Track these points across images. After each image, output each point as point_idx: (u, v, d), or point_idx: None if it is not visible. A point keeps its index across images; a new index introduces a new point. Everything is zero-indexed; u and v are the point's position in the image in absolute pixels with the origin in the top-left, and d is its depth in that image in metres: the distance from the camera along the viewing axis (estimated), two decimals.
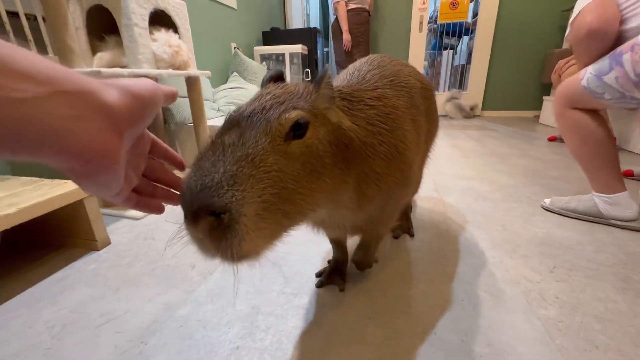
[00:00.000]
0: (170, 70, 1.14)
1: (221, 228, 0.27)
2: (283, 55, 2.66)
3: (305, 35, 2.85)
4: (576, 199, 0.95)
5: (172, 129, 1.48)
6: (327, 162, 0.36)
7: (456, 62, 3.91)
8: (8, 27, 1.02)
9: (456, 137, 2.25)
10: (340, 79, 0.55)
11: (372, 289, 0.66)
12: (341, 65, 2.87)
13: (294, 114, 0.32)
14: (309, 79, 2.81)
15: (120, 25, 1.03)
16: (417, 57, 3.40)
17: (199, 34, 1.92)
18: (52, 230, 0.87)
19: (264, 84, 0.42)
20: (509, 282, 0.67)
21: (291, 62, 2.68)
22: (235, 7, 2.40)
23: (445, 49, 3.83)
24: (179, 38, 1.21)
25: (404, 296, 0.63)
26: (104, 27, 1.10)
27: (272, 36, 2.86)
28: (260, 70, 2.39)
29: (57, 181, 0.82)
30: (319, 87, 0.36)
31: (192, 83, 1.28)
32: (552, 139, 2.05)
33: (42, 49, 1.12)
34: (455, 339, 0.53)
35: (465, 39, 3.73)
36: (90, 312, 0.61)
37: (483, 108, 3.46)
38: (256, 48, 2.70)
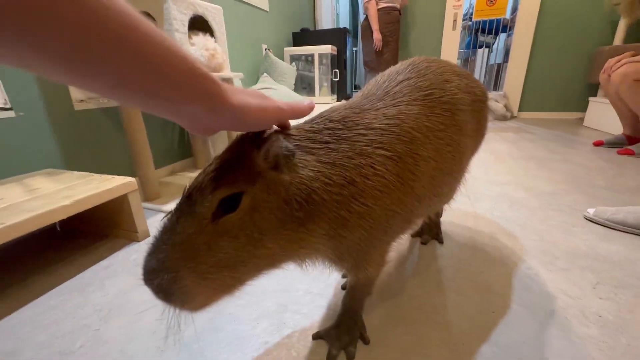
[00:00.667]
0: None
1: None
2: (312, 55, 2.68)
3: (334, 36, 2.86)
4: (625, 210, 0.88)
5: None
6: (267, 227, 0.34)
7: (491, 61, 3.73)
8: None
9: (491, 140, 2.15)
10: (367, 88, 0.50)
11: (399, 294, 0.65)
12: (369, 66, 2.84)
13: (218, 194, 0.31)
14: (337, 79, 2.82)
15: (163, 30, 1.10)
16: (450, 56, 3.29)
17: (232, 36, 1.99)
18: (98, 221, 0.94)
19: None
20: (546, 296, 0.64)
21: (320, 63, 2.70)
22: (267, 10, 2.46)
23: (480, 47, 3.66)
24: (215, 42, 1.26)
25: (431, 304, 0.62)
26: None
27: (302, 37, 2.89)
28: (290, 71, 2.43)
29: (104, 176, 0.89)
30: (259, 153, 0.33)
31: None
32: (598, 144, 1.90)
33: None
34: (486, 351, 0.51)
35: (503, 36, 3.55)
36: (133, 298, 0.66)
37: (520, 109, 3.27)
38: (286, 49, 2.74)
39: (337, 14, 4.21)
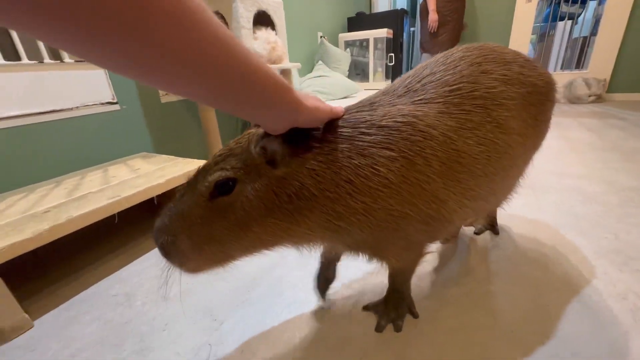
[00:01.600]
0: None
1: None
2: (367, 40, 2.64)
3: (391, 18, 2.76)
4: None
5: None
6: (255, 214, 0.38)
7: (575, 34, 3.23)
8: None
9: (566, 127, 1.91)
10: (392, 84, 0.49)
11: (447, 280, 0.67)
12: (424, 48, 2.70)
13: (215, 176, 0.37)
14: (392, 63, 2.74)
15: (231, 28, 1.21)
16: (523, 31, 2.95)
17: (290, 26, 2.06)
18: None
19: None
20: (613, 295, 0.60)
21: (375, 48, 2.64)
22: None
23: (562, 19, 3.19)
24: (275, 34, 1.34)
25: (481, 292, 0.63)
26: None
27: (357, 21, 2.85)
28: (344, 58, 2.44)
29: (185, 159, 1.04)
30: (256, 148, 0.38)
31: (285, 75, 1.41)
32: None
33: None
34: (535, 341, 0.52)
35: (592, 4, 3.04)
36: None
37: (609, 90, 2.81)
38: (341, 35, 2.74)
39: None
